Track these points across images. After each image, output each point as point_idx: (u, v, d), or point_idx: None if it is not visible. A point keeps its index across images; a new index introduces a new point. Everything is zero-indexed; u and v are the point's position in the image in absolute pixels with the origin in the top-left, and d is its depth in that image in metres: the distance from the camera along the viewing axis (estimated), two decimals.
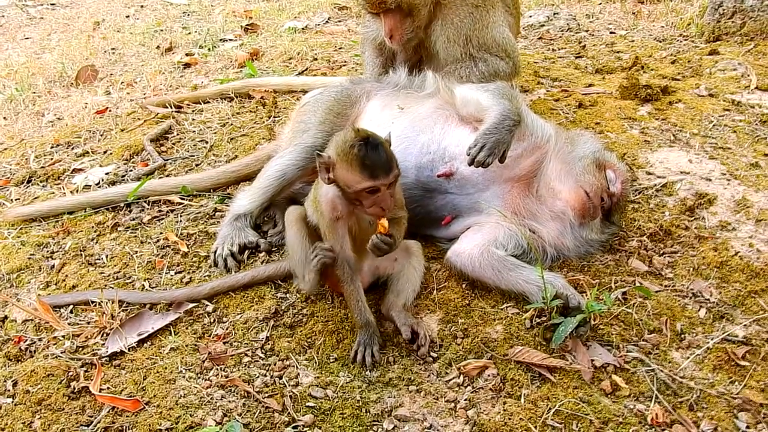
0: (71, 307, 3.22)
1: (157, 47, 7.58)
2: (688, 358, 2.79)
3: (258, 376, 2.81)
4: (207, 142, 4.55)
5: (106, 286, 3.31)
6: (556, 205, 3.19)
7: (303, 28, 7.70)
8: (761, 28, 5.28)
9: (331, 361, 2.89)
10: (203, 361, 2.88)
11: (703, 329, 2.92)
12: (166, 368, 2.84)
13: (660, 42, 5.76)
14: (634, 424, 2.55)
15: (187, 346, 2.96)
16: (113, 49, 7.85)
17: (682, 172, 3.72)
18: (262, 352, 2.94)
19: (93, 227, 3.76)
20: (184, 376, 2.81)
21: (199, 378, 2.81)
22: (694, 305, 3.02)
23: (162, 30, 8.35)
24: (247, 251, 3.46)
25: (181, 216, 3.80)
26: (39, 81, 6.89)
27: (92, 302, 3.17)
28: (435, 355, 2.90)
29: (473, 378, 2.78)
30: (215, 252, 3.43)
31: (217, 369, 2.85)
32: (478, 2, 3.98)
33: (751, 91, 4.47)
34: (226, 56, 6.83)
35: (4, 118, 6.15)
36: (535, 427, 2.55)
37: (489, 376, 2.78)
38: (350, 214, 2.93)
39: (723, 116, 4.18)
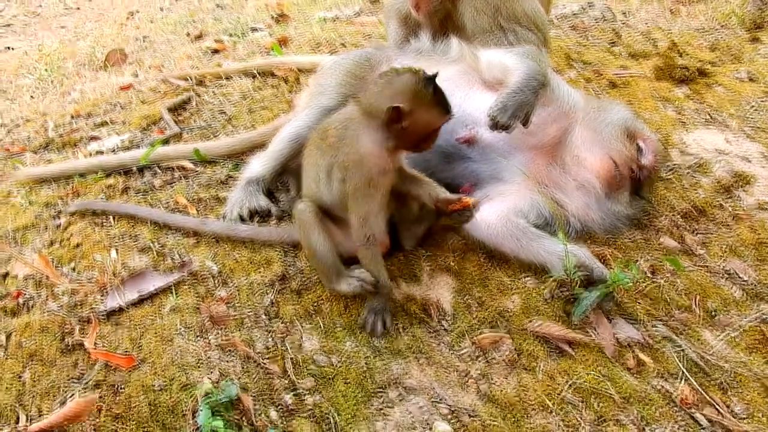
0: (72, 263, 3.11)
1: (187, 34, 7.57)
2: (720, 338, 2.59)
3: (259, 339, 2.67)
4: (226, 113, 4.44)
5: (110, 245, 3.19)
6: (582, 174, 3.00)
7: (333, 19, 7.60)
8: None
9: (338, 327, 2.73)
10: (203, 322, 2.74)
11: (737, 309, 2.72)
12: (164, 327, 2.72)
13: (699, 31, 5.53)
14: (659, 403, 2.36)
15: (188, 306, 2.83)
16: (145, 37, 7.84)
17: (718, 152, 3.51)
18: (265, 316, 2.79)
19: (103, 189, 3.65)
20: (182, 336, 2.68)
21: (198, 339, 2.68)
22: (727, 284, 2.82)
23: (194, 21, 8.33)
24: (257, 217, 3.32)
25: (193, 182, 3.68)
26: (69, 64, 6.90)
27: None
28: (447, 326, 2.73)
29: (487, 350, 2.61)
30: (224, 216, 3.30)
31: (217, 330, 2.71)
32: None
33: None
34: (255, 43, 6.75)
35: (32, 96, 6.16)
36: (552, 402, 2.37)
37: (504, 348, 2.60)
38: (394, 164, 2.77)
39: (764, 100, 3.96)
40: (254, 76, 5.11)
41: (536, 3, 3.92)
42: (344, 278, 2.76)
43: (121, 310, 2.81)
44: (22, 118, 5.17)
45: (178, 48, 7.06)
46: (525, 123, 2.91)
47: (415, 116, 2.65)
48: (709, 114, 3.82)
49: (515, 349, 2.58)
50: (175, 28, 8.07)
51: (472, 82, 3.23)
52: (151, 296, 2.88)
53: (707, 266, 2.90)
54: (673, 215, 3.15)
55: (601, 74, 4.43)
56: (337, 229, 2.84)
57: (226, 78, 5.06)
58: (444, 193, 2.82)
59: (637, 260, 2.88)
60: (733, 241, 3.00)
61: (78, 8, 10.53)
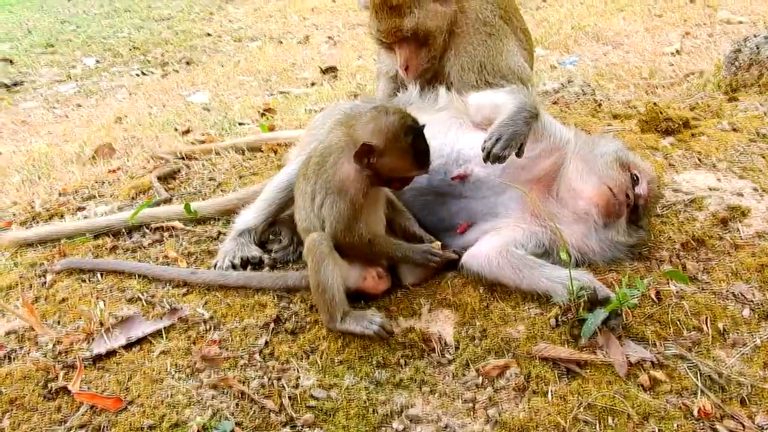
0: (57, 316, 2.99)
1: (175, 129, 7.66)
2: (734, 356, 2.49)
3: (254, 378, 2.54)
4: (215, 180, 4.43)
5: (97, 297, 3.08)
6: (579, 205, 2.95)
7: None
8: None
9: (336, 365, 2.61)
10: (195, 363, 2.61)
11: (748, 328, 2.63)
12: (153, 369, 2.59)
13: (677, 98, 5.68)
14: (678, 418, 2.24)
15: (179, 349, 2.71)
16: (133, 136, 7.92)
17: (710, 189, 3.50)
18: (260, 356, 2.67)
19: (90, 249, 3.57)
20: (173, 377, 2.55)
21: (189, 379, 2.55)
22: (736, 305, 2.74)
23: (182, 121, 8.47)
24: (249, 266, 3.24)
25: (183, 239, 3.61)
26: (57, 161, 6.92)
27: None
28: (450, 356, 2.62)
29: (493, 378, 2.49)
30: (216, 265, 3.22)
31: (209, 370, 2.58)
32: (491, 31, 3.94)
33: None
34: (242, 134, 6.84)
35: (17, 189, 6.13)
36: (565, 422, 2.24)
37: (511, 375, 2.49)
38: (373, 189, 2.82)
39: (749, 146, 4.00)
40: (243, 152, 5.14)
41: (520, 59, 4.03)
42: (353, 318, 2.69)
43: (108, 355, 2.68)
44: (9, 203, 5.13)
45: (166, 143, 7.11)
46: (518, 154, 2.91)
47: (386, 158, 2.69)
48: (697, 159, 3.85)
49: (523, 375, 2.47)
50: (163, 127, 8.16)
51: (463, 125, 3.24)
52: (140, 341, 2.76)
53: (712, 290, 2.82)
54: (672, 247, 3.10)
55: (589, 131, 4.49)
56: (342, 262, 2.79)
57: (216, 153, 5.09)
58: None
59: (642, 277, 2.81)
60: (735, 266, 2.94)
61: (66, 116, 10.69)
